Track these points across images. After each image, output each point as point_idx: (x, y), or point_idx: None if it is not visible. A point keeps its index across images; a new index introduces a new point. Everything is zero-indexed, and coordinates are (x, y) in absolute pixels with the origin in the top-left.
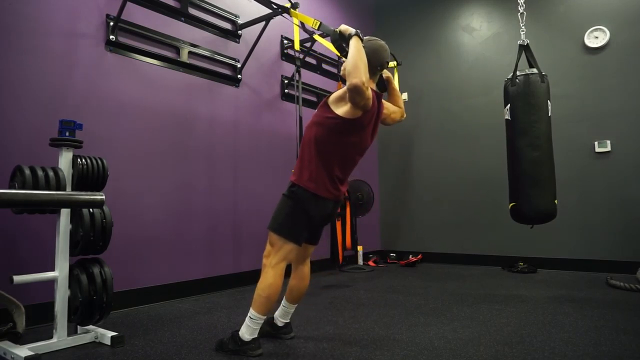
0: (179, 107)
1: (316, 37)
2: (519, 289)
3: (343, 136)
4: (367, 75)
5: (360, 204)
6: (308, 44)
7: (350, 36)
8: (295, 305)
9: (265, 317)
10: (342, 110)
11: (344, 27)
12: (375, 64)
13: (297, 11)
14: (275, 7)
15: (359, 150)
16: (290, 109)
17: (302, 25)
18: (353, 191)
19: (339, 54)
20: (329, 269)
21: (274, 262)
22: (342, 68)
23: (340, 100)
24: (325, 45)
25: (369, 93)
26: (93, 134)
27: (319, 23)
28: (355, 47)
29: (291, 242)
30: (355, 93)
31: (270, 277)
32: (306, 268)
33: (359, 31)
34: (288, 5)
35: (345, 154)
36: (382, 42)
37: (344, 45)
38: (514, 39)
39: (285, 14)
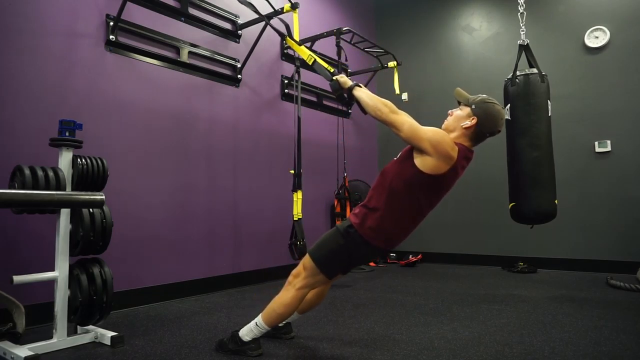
0: (179, 107)
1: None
2: (519, 289)
3: (421, 191)
4: (390, 105)
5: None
6: (308, 44)
7: (351, 88)
8: (300, 315)
9: (270, 328)
10: (424, 163)
11: (343, 79)
12: (486, 130)
13: (297, 13)
14: (271, 13)
15: (432, 206)
16: (290, 109)
17: (289, 32)
18: (353, 191)
19: (340, 103)
20: None
21: (299, 284)
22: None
23: (423, 152)
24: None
25: (408, 120)
26: (93, 134)
27: (313, 59)
28: (362, 93)
29: (324, 274)
30: (391, 127)
31: (290, 297)
32: (327, 289)
33: (358, 82)
34: (288, 6)
35: (418, 208)
36: (500, 108)
37: (345, 95)
38: (514, 39)
39: (286, 13)
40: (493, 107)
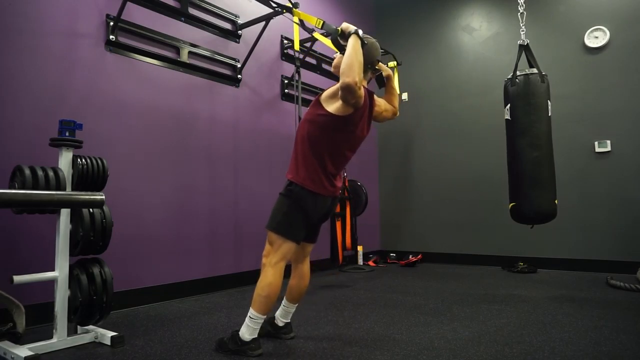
0: (179, 107)
1: (316, 35)
2: (519, 289)
3: (334, 133)
4: (361, 75)
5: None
6: (308, 44)
7: (349, 34)
8: (296, 305)
9: (265, 316)
10: (333, 107)
11: (345, 25)
12: (366, 61)
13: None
14: (275, 5)
15: (350, 146)
16: (290, 109)
17: (302, 24)
18: (352, 191)
19: (336, 50)
20: (329, 269)
21: (273, 261)
22: (333, 64)
23: (332, 97)
24: (327, 44)
25: (361, 92)
26: (93, 134)
27: (322, 22)
28: (352, 46)
29: (290, 240)
30: (347, 92)
31: (269, 276)
32: (305, 267)
33: (359, 30)
34: (289, 5)
35: (336, 150)
36: (373, 40)
37: (343, 42)
38: (514, 39)
39: (285, 14)
40: (367, 40)
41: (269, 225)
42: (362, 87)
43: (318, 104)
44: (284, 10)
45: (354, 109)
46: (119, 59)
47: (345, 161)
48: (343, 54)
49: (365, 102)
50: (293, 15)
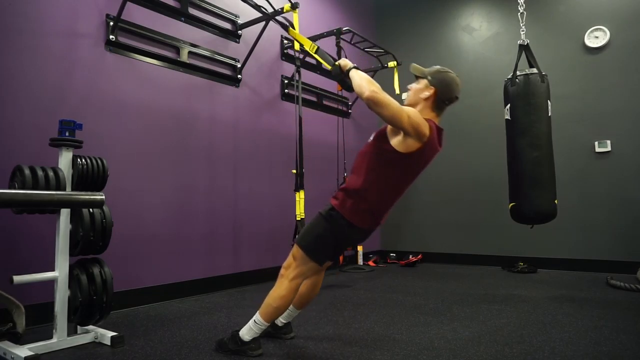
0: (179, 107)
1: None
2: (519, 289)
3: (398, 170)
4: (377, 85)
5: None
6: None
7: (349, 70)
8: (300, 311)
9: (269, 324)
10: (399, 142)
11: (343, 62)
12: (444, 97)
13: (297, 13)
14: (271, 13)
15: (409, 184)
16: (290, 109)
17: (301, 47)
18: None
19: (340, 88)
20: (329, 269)
21: (291, 275)
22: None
23: (397, 131)
24: (319, 60)
25: (392, 100)
26: (93, 133)
27: (316, 47)
28: (356, 73)
29: (314, 261)
30: (373, 105)
31: (284, 289)
32: (319, 278)
33: (356, 65)
34: (288, 6)
35: (396, 187)
36: (454, 75)
37: (346, 79)
38: (514, 39)
39: (284, 15)
40: (447, 74)
41: (299, 241)
42: (430, 120)
43: (384, 137)
44: (280, 24)
45: (421, 143)
46: (119, 59)
47: (399, 197)
48: (346, 89)
49: (433, 136)
50: (288, 33)
